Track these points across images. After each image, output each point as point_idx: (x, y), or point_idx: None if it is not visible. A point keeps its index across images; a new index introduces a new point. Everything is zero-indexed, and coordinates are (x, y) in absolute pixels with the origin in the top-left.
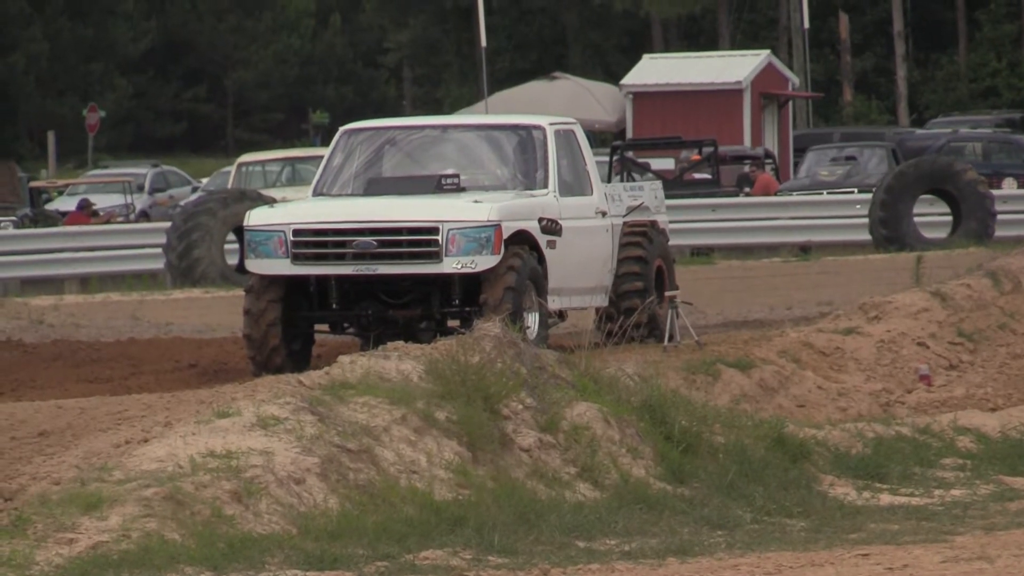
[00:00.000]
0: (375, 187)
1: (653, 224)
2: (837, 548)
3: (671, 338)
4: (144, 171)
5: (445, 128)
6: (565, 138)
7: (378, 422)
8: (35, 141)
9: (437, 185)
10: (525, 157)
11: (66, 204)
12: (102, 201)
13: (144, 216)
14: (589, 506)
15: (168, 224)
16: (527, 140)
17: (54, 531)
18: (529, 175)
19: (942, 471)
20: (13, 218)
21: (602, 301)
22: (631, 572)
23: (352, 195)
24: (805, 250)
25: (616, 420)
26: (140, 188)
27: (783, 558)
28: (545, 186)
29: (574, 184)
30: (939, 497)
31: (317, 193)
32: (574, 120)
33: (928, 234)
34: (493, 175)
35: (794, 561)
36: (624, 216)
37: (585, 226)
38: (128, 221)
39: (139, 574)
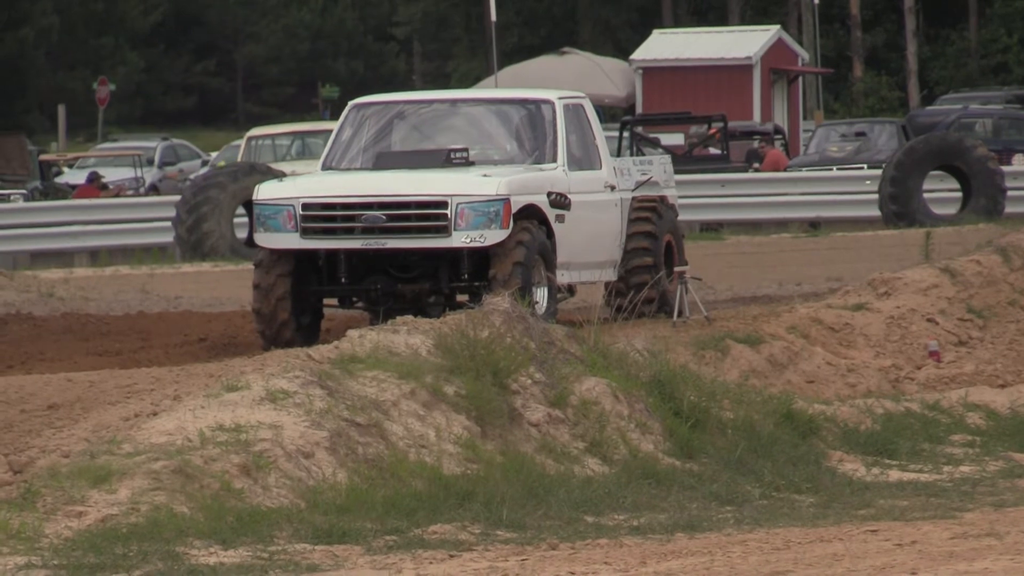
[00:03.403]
0: (384, 161)
1: (662, 199)
2: (846, 524)
3: (680, 313)
4: (154, 144)
5: (454, 102)
6: (574, 112)
7: (387, 396)
8: (45, 114)
9: (446, 159)
10: (534, 131)
11: (76, 177)
12: (112, 175)
13: (154, 190)
14: (598, 481)
15: (178, 197)
16: (536, 114)
17: (63, 504)
18: (538, 149)
19: (951, 447)
20: (23, 191)
21: (611, 276)
22: (639, 547)
23: (361, 169)
24: (815, 226)
25: (625, 395)
26: (150, 162)
27: (792, 534)
28: (554, 160)
29: (583, 158)
30: (948, 473)
31: (326, 167)
32: (583, 94)
33: (938, 210)
34: (502, 149)
35: (803, 537)
36: (633, 191)
37: (594, 200)
38: (138, 194)
39: (148, 547)
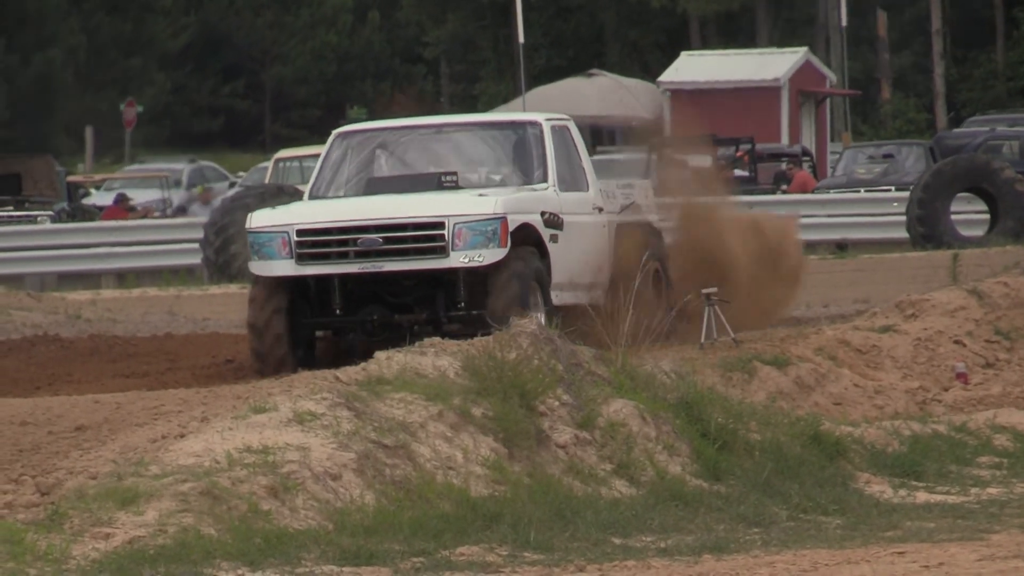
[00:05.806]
0: (375, 187)
1: (648, 224)
2: (873, 546)
3: (707, 335)
4: (181, 166)
5: (440, 128)
6: (560, 134)
7: (414, 418)
8: (72, 136)
9: (437, 183)
10: (524, 153)
11: (103, 199)
12: (139, 196)
13: (181, 211)
14: (625, 503)
15: (205, 219)
16: (524, 136)
17: (90, 526)
18: (528, 171)
19: (979, 469)
20: (51, 213)
21: (600, 299)
22: (667, 569)
23: (351, 196)
24: (842, 248)
25: (652, 417)
26: (177, 183)
27: (819, 556)
28: (545, 180)
29: (571, 180)
30: (975, 495)
31: (313, 196)
32: (568, 116)
33: (965, 232)
34: (492, 172)
35: (830, 559)
36: (619, 214)
37: (584, 221)
38: (165, 216)
39: (175, 569)
